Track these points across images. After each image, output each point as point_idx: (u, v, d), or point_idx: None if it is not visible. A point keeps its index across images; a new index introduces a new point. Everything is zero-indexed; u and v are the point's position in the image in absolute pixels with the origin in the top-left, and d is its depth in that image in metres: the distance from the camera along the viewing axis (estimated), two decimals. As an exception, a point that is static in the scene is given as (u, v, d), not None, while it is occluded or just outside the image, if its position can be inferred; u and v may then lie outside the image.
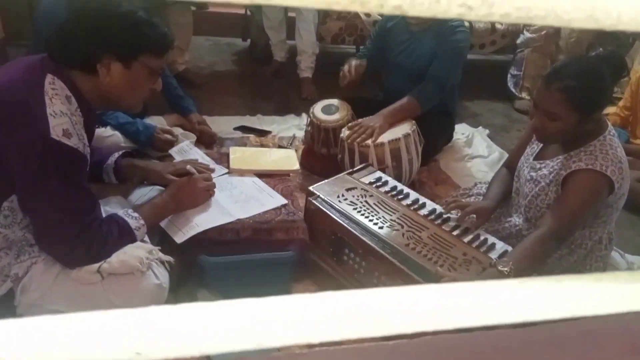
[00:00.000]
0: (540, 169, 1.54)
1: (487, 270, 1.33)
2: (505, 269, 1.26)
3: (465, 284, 0.29)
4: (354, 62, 2.21)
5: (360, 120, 2.09)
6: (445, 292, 0.28)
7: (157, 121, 2.18)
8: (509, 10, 0.21)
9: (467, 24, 2.29)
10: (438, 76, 2.14)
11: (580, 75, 1.34)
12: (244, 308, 0.27)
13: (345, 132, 2.07)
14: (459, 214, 1.58)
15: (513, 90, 3.24)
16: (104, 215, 1.42)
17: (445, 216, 1.61)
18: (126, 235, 1.30)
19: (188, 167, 1.61)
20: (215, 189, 1.60)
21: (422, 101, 2.12)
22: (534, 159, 1.59)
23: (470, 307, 0.28)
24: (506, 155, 2.32)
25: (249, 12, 3.42)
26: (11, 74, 1.20)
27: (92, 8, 1.23)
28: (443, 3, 0.20)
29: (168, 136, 2.03)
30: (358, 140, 1.98)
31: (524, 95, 3.19)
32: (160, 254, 1.36)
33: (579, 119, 1.36)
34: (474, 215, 1.56)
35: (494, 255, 1.46)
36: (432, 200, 1.77)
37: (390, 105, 2.10)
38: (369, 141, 1.96)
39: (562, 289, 0.29)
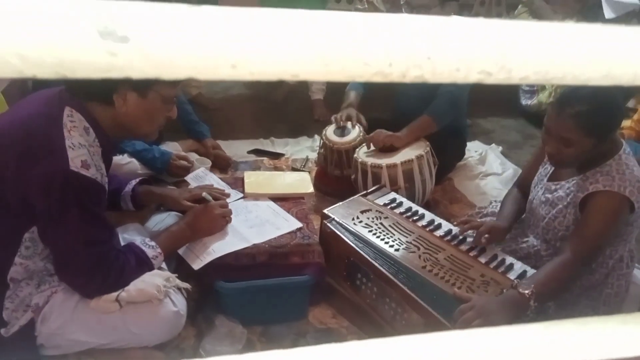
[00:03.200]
0: (555, 190, 1.53)
1: (508, 292, 1.31)
2: (527, 291, 1.25)
3: (490, 329, 0.29)
4: (346, 113, 2.23)
5: (377, 133, 2.10)
6: (470, 337, 0.28)
7: (172, 147, 2.21)
8: (527, 74, 0.21)
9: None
10: (450, 91, 2.13)
11: (591, 99, 1.33)
12: None
13: (359, 152, 2.08)
14: (474, 234, 1.57)
15: (528, 103, 3.23)
16: (122, 242, 1.44)
17: (461, 237, 1.60)
18: (143, 265, 1.31)
19: (204, 194, 1.62)
20: (231, 215, 1.61)
21: (437, 118, 2.12)
22: (548, 180, 1.57)
23: (496, 352, 0.28)
24: (520, 172, 2.31)
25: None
26: (31, 108, 1.23)
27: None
28: (462, 71, 0.21)
29: (184, 162, 2.05)
30: (379, 142, 2.00)
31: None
32: (178, 281, 1.37)
33: (594, 143, 1.35)
34: (487, 235, 1.55)
35: (512, 275, 1.44)
36: (448, 219, 1.76)
37: (406, 127, 2.10)
38: (382, 162, 1.97)
39: (588, 332, 0.29)
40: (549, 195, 1.54)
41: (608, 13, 3.09)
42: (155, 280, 1.30)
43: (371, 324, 1.55)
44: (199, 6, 0.18)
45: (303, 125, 2.92)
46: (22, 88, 2.52)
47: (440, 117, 2.12)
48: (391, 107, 2.59)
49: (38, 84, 1.76)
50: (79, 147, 1.17)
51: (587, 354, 0.28)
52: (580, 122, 1.32)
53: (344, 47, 0.19)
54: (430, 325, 1.34)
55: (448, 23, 0.20)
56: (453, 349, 0.28)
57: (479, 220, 1.69)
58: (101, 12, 0.17)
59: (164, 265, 1.42)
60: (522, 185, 1.74)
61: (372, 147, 2.10)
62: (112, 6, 0.17)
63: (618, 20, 3.10)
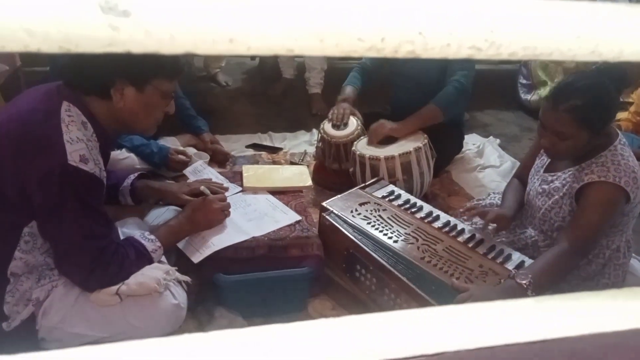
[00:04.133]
0: (551, 181, 1.54)
1: (506, 282, 1.32)
2: (525, 281, 1.26)
3: (483, 304, 0.29)
4: (342, 108, 2.22)
5: (380, 124, 2.10)
6: (464, 312, 0.29)
7: (170, 142, 2.21)
8: (516, 50, 0.22)
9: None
10: (458, 80, 2.12)
11: (584, 93, 1.34)
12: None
13: (357, 145, 2.09)
14: (477, 223, 1.58)
15: (527, 98, 3.24)
16: (121, 236, 1.45)
17: (460, 228, 1.61)
18: (143, 258, 1.32)
19: (202, 188, 1.63)
20: (230, 209, 1.62)
21: (444, 109, 2.10)
22: (545, 171, 1.58)
23: (489, 327, 0.29)
24: (518, 165, 2.31)
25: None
26: (29, 103, 1.23)
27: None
28: (453, 47, 0.21)
29: (182, 157, 2.05)
30: (373, 150, 2.00)
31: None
32: (178, 274, 1.38)
33: (589, 136, 1.36)
34: (494, 225, 1.56)
35: (510, 266, 1.45)
36: (446, 211, 1.77)
37: (413, 114, 2.10)
38: (380, 154, 1.97)
39: (580, 306, 0.30)
40: (546, 186, 1.55)
41: None
42: (155, 273, 1.31)
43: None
44: (198, -17, 0.18)
45: (301, 119, 2.93)
46: (19, 83, 2.52)
47: (448, 107, 2.10)
48: (388, 101, 2.59)
49: (33, 80, 1.76)
50: (77, 142, 1.18)
51: (578, 328, 0.29)
52: (574, 116, 1.33)
53: (339, 23, 0.20)
54: None
55: (438, 0, 0.21)
56: (447, 323, 0.28)
57: (484, 208, 1.70)
58: (103, -13, 0.17)
59: (163, 258, 1.43)
60: (522, 176, 1.75)
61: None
62: (115, -18, 0.17)
63: None
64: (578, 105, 1.33)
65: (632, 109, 2.72)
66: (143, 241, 1.34)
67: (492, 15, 0.21)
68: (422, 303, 1.36)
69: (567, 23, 0.21)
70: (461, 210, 1.66)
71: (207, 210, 1.52)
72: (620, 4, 0.22)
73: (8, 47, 0.16)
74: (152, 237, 1.37)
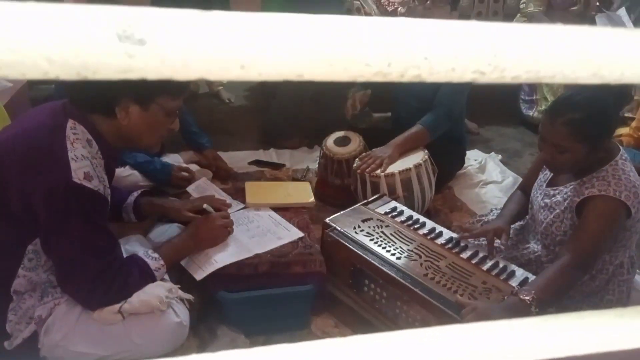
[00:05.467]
0: (553, 195, 1.54)
1: (509, 299, 1.31)
2: (528, 297, 1.25)
3: (488, 323, 0.30)
4: (357, 94, 2.24)
5: (370, 151, 2.11)
6: (469, 332, 0.29)
7: (173, 159, 2.22)
8: (519, 73, 0.22)
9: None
10: (444, 104, 2.18)
11: (583, 107, 1.35)
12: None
13: (358, 162, 2.10)
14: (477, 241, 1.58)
15: (529, 114, 3.25)
16: (124, 254, 1.45)
17: (463, 244, 1.61)
18: (146, 276, 1.32)
19: (205, 205, 1.63)
20: (233, 226, 1.62)
21: (430, 129, 2.14)
22: (547, 186, 1.59)
23: (494, 346, 0.29)
24: (520, 180, 2.32)
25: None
26: (35, 121, 1.24)
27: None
28: (458, 71, 0.22)
29: (185, 174, 2.06)
30: (367, 170, 2.00)
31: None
32: (180, 292, 1.38)
33: (588, 149, 1.37)
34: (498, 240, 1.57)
35: (514, 282, 1.45)
36: (448, 227, 1.77)
37: (400, 135, 2.12)
38: (379, 171, 1.98)
39: (585, 325, 0.30)
40: (548, 201, 1.55)
41: None
42: (158, 291, 1.30)
43: (374, 331, 1.54)
44: (210, 11, 0.19)
45: (304, 135, 2.93)
46: (25, 101, 2.54)
47: (433, 128, 2.15)
48: (391, 117, 2.61)
49: (38, 97, 1.77)
50: (82, 159, 1.19)
51: (584, 347, 0.29)
52: (573, 129, 1.34)
53: (347, 49, 0.20)
54: (444, 323, 1.35)
55: (444, 25, 0.21)
56: (451, 342, 0.29)
57: (476, 226, 1.71)
58: (120, 17, 0.18)
59: (166, 276, 1.43)
60: (526, 189, 1.76)
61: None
62: (130, 12, 0.18)
63: None
64: (575, 119, 1.34)
65: (633, 124, 2.73)
66: (146, 259, 1.34)
67: (496, 39, 0.22)
68: (436, 313, 1.36)
69: (569, 47, 0.22)
70: (453, 228, 1.67)
71: (211, 228, 1.52)
72: (620, 28, 0.23)
73: (29, 74, 0.17)
74: (156, 255, 1.37)
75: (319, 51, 0.20)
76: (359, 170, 2.02)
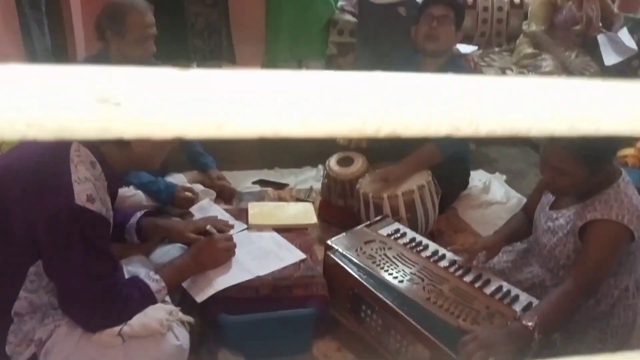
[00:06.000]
0: (556, 218, 1.53)
1: (512, 325, 1.30)
2: (530, 323, 1.24)
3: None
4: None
5: (379, 170, 2.11)
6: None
7: (177, 179, 2.24)
8: (494, 128, 0.23)
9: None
10: None
11: None
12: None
13: (362, 183, 2.10)
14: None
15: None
16: (126, 274, 1.45)
17: (466, 267, 1.60)
18: (147, 299, 1.31)
19: (208, 227, 1.63)
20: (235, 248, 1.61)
21: (441, 147, 2.11)
22: (550, 209, 1.58)
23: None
24: (524, 201, 2.31)
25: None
26: (39, 144, 1.26)
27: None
28: (433, 127, 0.22)
29: (189, 194, 2.07)
30: (377, 188, 2.00)
31: None
32: (181, 315, 1.37)
33: (589, 173, 1.36)
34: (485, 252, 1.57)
35: (517, 307, 1.43)
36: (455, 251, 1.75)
37: (411, 155, 2.11)
38: (383, 193, 1.98)
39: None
40: (551, 224, 1.54)
41: (608, 59, 3.14)
42: (158, 314, 1.30)
43: (376, 357, 1.53)
44: (187, 70, 0.20)
45: (307, 155, 2.94)
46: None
47: (444, 146, 2.11)
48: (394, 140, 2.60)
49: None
50: (85, 182, 1.19)
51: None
52: (573, 152, 1.34)
53: (322, 108, 0.21)
54: (436, 357, 1.32)
55: (417, 81, 0.22)
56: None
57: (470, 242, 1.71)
58: (97, 79, 0.18)
59: (167, 298, 1.43)
60: (528, 211, 1.75)
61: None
62: (108, 73, 0.18)
63: (618, 65, 3.15)
64: (576, 142, 1.33)
65: (638, 144, 2.72)
66: (147, 281, 1.34)
67: (470, 95, 0.22)
68: (429, 345, 1.34)
69: (544, 101, 0.22)
70: (449, 249, 1.68)
71: (213, 250, 1.52)
72: (595, 80, 0.23)
73: (7, 136, 0.17)
74: (157, 277, 1.37)
75: (295, 109, 0.20)
76: (362, 191, 2.02)
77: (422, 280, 1.53)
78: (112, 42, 1.96)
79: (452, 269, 1.59)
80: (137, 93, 0.19)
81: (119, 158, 1.29)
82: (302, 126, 0.21)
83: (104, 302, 1.23)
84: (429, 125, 0.22)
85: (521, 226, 1.71)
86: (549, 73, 3.19)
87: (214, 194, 2.25)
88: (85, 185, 1.19)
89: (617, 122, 0.23)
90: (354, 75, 0.21)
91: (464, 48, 3.13)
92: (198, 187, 2.22)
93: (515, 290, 1.51)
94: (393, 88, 0.21)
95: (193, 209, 1.99)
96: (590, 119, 0.23)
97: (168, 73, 0.19)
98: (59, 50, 2.81)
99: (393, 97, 0.21)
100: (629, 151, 2.69)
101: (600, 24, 3.36)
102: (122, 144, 1.26)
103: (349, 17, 3.06)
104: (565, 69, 3.20)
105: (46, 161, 1.21)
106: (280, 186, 2.56)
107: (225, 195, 2.35)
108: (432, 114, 0.22)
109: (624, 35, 3.19)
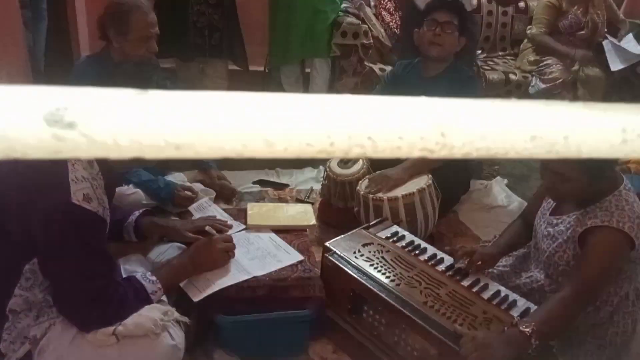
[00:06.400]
0: (556, 224, 1.52)
1: (509, 330, 1.29)
2: (528, 329, 1.23)
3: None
4: None
5: (379, 172, 2.10)
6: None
7: (177, 178, 2.23)
8: (469, 151, 0.22)
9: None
10: None
11: None
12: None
13: (362, 185, 2.09)
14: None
15: None
16: (123, 273, 1.44)
17: (464, 272, 1.59)
18: (142, 299, 1.31)
19: (207, 228, 1.62)
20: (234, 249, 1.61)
21: None
22: (550, 214, 1.57)
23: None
24: (525, 205, 2.29)
25: (267, 70, 3.53)
26: (38, 141, 1.26)
27: (117, 78, 1.30)
28: (404, 149, 0.21)
29: (188, 193, 2.07)
30: (373, 191, 1.99)
31: None
32: (176, 315, 1.37)
33: (590, 179, 1.35)
34: (480, 263, 1.57)
35: (515, 312, 1.42)
36: (451, 253, 1.75)
37: (408, 161, 2.10)
38: (383, 195, 1.97)
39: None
40: (551, 229, 1.53)
41: (614, 65, 3.12)
42: (153, 314, 1.29)
43: (372, 359, 1.52)
44: (144, 91, 0.19)
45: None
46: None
47: None
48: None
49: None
50: (82, 180, 1.19)
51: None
52: (574, 159, 1.32)
53: (286, 129, 0.20)
54: (444, 354, 1.32)
55: (388, 103, 0.21)
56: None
57: (471, 247, 1.70)
58: (48, 99, 0.18)
59: (164, 297, 1.42)
60: (528, 217, 1.73)
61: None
62: (59, 93, 0.18)
63: (623, 71, 3.13)
64: None
65: (641, 150, 2.70)
66: (143, 282, 1.34)
67: (442, 118, 0.21)
68: (434, 342, 1.33)
69: (521, 124, 0.22)
70: (447, 248, 1.68)
71: (211, 252, 1.52)
72: (577, 104, 0.22)
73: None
74: (153, 278, 1.36)
75: (258, 130, 0.20)
76: (362, 192, 2.01)
77: (420, 283, 1.52)
78: (115, 41, 1.96)
79: (449, 273, 1.58)
80: (90, 115, 0.18)
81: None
82: (266, 147, 0.20)
83: (99, 301, 1.22)
84: (400, 148, 0.21)
85: (519, 235, 1.70)
86: (554, 79, 3.16)
87: (213, 193, 2.24)
88: (83, 184, 1.19)
89: (598, 145, 0.22)
90: (319, 97, 0.21)
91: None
92: (198, 186, 2.22)
93: (513, 296, 1.50)
94: (361, 111, 0.21)
95: (192, 208, 1.99)
96: (570, 143, 0.22)
97: (124, 94, 0.19)
98: (62, 49, 2.81)
99: (361, 120, 0.20)
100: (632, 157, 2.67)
101: (606, 30, 3.34)
102: None
103: (352, 19, 3.04)
104: (570, 70, 3.18)
105: (44, 159, 1.21)
106: (280, 187, 2.56)
107: (225, 195, 2.35)
108: (403, 138, 0.21)
109: (630, 41, 3.17)
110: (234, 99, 0.20)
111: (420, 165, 2.10)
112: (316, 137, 0.20)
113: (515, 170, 2.98)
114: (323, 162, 2.47)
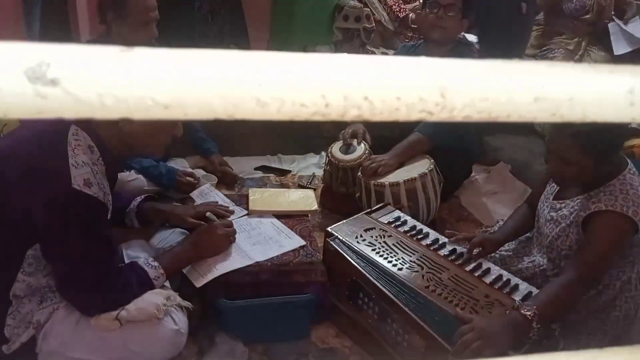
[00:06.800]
0: (560, 209, 1.51)
1: (511, 314, 1.29)
2: (529, 313, 1.23)
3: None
4: (356, 126, 2.22)
5: (372, 157, 2.09)
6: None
7: (179, 163, 2.23)
8: (470, 113, 0.21)
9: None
10: None
11: None
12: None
13: (363, 170, 2.08)
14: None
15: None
16: (126, 259, 1.45)
17: (466, 256, 1.58)
18: (145, 285, 1.31)
19: (208, 214, 1.63)
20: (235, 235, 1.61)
21: (428, 136, 2.09)
22: (554, 199, 1.56)
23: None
24: (529, 191, 2.28)
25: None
26: (38, 127, 1.25)
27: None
28: (402, 111, 0.20)
29: (190, 179, 2.06)
30: (367, 174, 1.99)
31: None
32: (179, 299, 1.37)
33: (595, 163, 1.34)
34: (480, 248, 1.56)
35: (517, 296, 1.42)
36: (450, 236, 1.74)
37: (398, 145, 2.10)
38: (385, 180, 1.96)
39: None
40: (554, 214, 1.52)
41: (617, 49, 3.08)
42: (156, 299, 1.30)
43: (374, 344, 1.53)
44: (130, 48, 0.18)
45: (310, 142, 2.92)
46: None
47: (431, 134, 2.08)
48: (398, 125, 2.58)
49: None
50: (83, 166, 1.19)
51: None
52: (579, 142, 1.31)
53: (279, 89, 0.19)
54: (432, 348, 1.32)
55: (385, 62, 0.20)
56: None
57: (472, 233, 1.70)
58: (29, 55, 0.17)
59: (167, 283, 1.43)
60: (532, 202, 1.73)
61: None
62: (42, 49, 0.17)
63: (628, 54, 3.09)
64: (583, 131, 1.31)
65: (646, 135, 2.68)
66: (146, 267, 1.34)
67: (443, 78, 0.20)
68: (426, 335, 1.33)
69: (525, 85, 0.21)
70: (447, 236, 1.67)
71: (213, 237, 1.52)
72: (582, 64, 0.22)
73: None
74: (156, 263, 1.36)
75: (249, 89, 0.19)
76: (359, 175, 2.01)
77: (422, 268, 1.52)
78: (114, 25, 1.94)
79: (452, 258, 1.58)
80: (74, 71, 0.17)
81: (112, 139, 1.27)
82: (258, 108, 0.19)
83: (101, 286, 1.23)
84: (398, 109, 0.20)
85: (525, 221, 1.69)
86: (558, 62, 3.13)
87: (215, 179, 2.24)
88: (83, 169, 1.19)
89: (603, 108, 0.21)
90: (314, 57, 0.20)
91: (471, 37, 3.07)
92: (200, 172, 2.22)
93: (515, 280, 1.49)
94: (358, 71, 0.20)
95: (193, 194, 1.99)
96: (575, 107, 0.21)
97: (109, 51, 0.18)
98: (62, 34, 2.78)
99: (357, 81, 0.20)
100: (637, 141, 2.64)
101: (613, 13, 3.29)
102: (112, 123, 1.24)
103: (354, 3, 3.01)
104: (573, 55, 3.15)
105: (44, 145, 1.20)
106: (282, 172, 2.55)
107: (227, 181, 2.34)
108: (401, 99, 0.20)
109: (636, 24, 3.13)
110: (225, 57, 0.19)
111: (405, 151, 2.09)
112: (311, 98, 0.20)
113: (518, 156, 2.96)
114: (325, 148, 2.45)
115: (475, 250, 1.56)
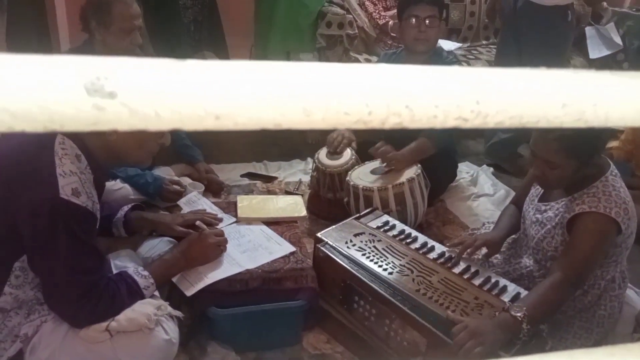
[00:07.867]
0: (545, 211, 1.54)
1: (501, 315, 1.31)
2: (519, 314, 1.25)
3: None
4: (341, 133, 2.25)
5: (384, 148, 2.12)
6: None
7: (165, 172, 2.21)
8: (502, 119, 0.22)
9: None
10: None
11: None
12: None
13: (351, 175, 2.09)
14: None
15: None
16: (114, 268, 1.43)
17: (456, 259, 1.60)
18: (135, 294, 1.30)
19: (197, 222, 1.61)
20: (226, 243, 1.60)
21: (435, 141, 2.12)
22: (539, 201, 1.59)
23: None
24: (512, 193, 2.32)
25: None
26: (23, 135, 1.23)
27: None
28: (440, 118, 0.21)
29: (177, 187, 2.05)
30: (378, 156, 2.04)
31: None
32: (170, 309, 1.36)
33: (578, 166, 1.37)
34: (484, 251, 1.57)
35: (506, 298, 1.44)
36: (441, 241, 1.76)
37: (407, 147, 2.11)
38: (373, 185, 1.98)
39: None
40: (539, 216, 1.55)
41: (593, 53, 3.16)
42: (146, 309, 1.28)
43: (366, 349, 1.53)
44: (184, 60, 0.18)
45: (296, 148, 2.93)
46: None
47: (438, 139, 2.12)
48: (383, 131, 2.60)
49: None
50: (70, 175, 1.17)
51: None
52: (563, 145, 1.35)
53: (325, 98, 0.20)
54: (433, 344, 1.33)
55: (425, 71, 0.21)
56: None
57: (471, 235, 1.71)
58: (88, 69, 0.17)
59: (156, 292, 1.41)
60: (519, 203, 1.76)
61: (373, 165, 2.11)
62: (100, 63, 0.17)
63: (603, 58, 3.16)
64: (566, 135, 1.34)
65: (623, 137, 2.75)
66: (136, 277, 1.32)
67: (478, 86, 0.21)
68: (425, 333, 1.34)
69: (553, 92, 0.22)
70: (448, 245, 1.67)
71: (203, 246, 1.51)
72: (604, 72, 0.23)
73: (-8, 128, 0.16)
74: (146, 273, 1.35)
75: (296, 100, 0.19)
76: (357, 185, 2.03)
77: (412, 271, 1.53)
78: (97, 33, 1.92)
79: (441, 261, 1.60)
80: (131, 84, 0.18)
81: (98, 148, 1.26)
82: (304, 117, 0.20)
83: (90, 297, 1.21)
84: (436, 117, 0.21)
85: (515, 221, 1.72)
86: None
87: (202, 187, 2.23)
88: (71, 178, 1.17)
89: (625, 113, 0.22)
90: (358, 67, 0.20)
91: (447, 44, 3.12)
92: (186, 180, 2.20)
93: (503, 281, 1.51)
94: (399, 80, 0.20)
95: (181, 202, 1.98)
96: (598, 112, 0.22)
97: (164, 63, 0.18)
98: (42, 41, 2.74)
99: (399, 89, 0.20)
100: (614, 143, 2.71)
101: (590, 18, 3.38)
102: (98, 132, 1.23)
103: (337, 10, 3.03)
104: None
105: (30, 154, 1.18)
106: (268, 179, 2.55)
107: (213, 189, 2.33)
108: (439, 107, 0.21)
109: (612, 29, 3.22)
110: (273, 68, 0.19)
111: (416, 155, 2.11)
112: (354, 106, 0.20)
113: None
114: (311, 154, 2.46)
115: (479, 252, 1.57)
